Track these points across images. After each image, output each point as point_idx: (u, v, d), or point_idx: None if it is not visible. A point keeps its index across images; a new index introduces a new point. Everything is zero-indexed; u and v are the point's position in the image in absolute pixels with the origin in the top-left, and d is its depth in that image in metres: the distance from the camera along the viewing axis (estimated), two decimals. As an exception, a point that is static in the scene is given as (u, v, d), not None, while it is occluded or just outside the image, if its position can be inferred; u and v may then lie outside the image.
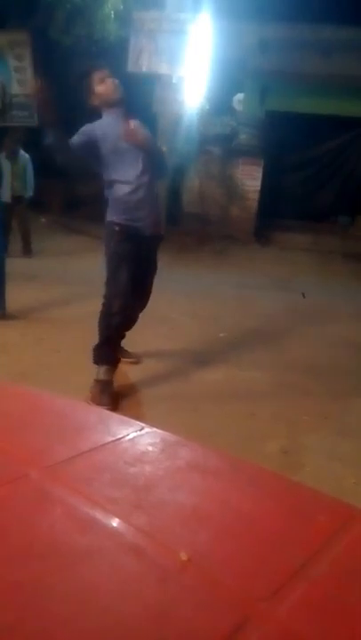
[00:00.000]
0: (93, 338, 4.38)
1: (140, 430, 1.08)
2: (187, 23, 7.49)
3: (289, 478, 1.04)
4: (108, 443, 1.03)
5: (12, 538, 0.76)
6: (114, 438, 1.05)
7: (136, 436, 1.06)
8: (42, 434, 1.07)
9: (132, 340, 4.25)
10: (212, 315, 5.09)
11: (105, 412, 1.17)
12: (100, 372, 3.24)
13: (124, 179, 3.17)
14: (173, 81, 7.74)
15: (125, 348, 3.65)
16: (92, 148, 3.17)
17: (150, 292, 3.50)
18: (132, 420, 1.13)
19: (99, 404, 3.00)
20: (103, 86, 3.28)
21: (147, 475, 0.94)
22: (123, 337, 3.39)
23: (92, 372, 3.67)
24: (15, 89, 8.48)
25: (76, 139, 3.21)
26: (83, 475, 0.93)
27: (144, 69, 7.66)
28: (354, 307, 5.90)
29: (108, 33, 7.48)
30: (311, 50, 8.31)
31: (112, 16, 7.43)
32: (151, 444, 1.04)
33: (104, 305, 3.21)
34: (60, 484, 0.89)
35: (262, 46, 8.52)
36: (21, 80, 8.45)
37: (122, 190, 3.17)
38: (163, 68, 7.61)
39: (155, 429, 1.09)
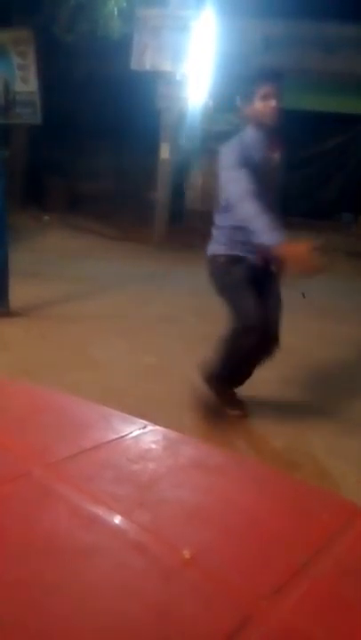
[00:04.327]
0: (95, 335, 4.39)
1: (144, 428, 1.08)
2: (190, 20, 7.46)
3: (292, 476, 1.04)
4: (111, 440, 1.04)
5: (15, 535, 0.77)
6: (117, 436, 1.05)
7: (139, 433, 1.07)
8: (44, 431, 1.07)
9: (134, 338, 4.25)
10: (216, 313, 5.07)
11: (108, 410, 1.18)
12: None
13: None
14: (177, 78, 7.72)
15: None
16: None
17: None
18: (135, 418, 1.13)
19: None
20: (266, 105, 2.73)
21: (150, 472, 0.94)
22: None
23: (94, 371, 3.66)
24: (19, 86, 8.48)
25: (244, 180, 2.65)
26: (85, 472, 0.93)
27: (148, 66, 7.64)
28: (356, 305, 5.89)
29: (111, 30, 7.45)
30: (315, 47, 8.27)
31: (115, 13, 7.40)
32: (154, 442, 1.04)
33: None
34: (62, 482, 0.89)
35: (266, 43, 8.48)
36: (25, 78, 8.45)
37: None
38: (166, 65, 7.59)
39: (158, 427, 1.09)
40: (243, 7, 7.75)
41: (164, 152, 7.93)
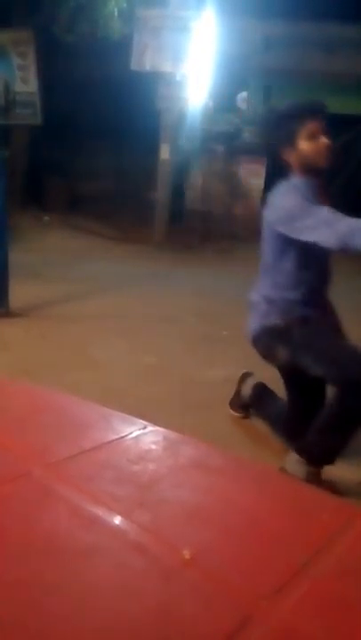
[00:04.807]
0: (95, 335, 4.39)
1: (144, 428, 1.08)
2: (190, 21, 7.46)
3: (292, 477, 1.04)
4: (112, 441, 1.04)
5: (15, 535, 0.77)
6: (117, 436, 1.05)
7: (139, 434, 1.06)
8: (44, 431, 1.07)
9: (134, 338, 4.25)
10: (216, 312, 5.08)
11: (108, 410, 1.18)
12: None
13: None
14: (177, 78, 7.71)
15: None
16: None
17: None
18: (135, 419, 1.13)
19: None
20: (314, 145, 2.27)
21: (150, 473, 0.94)
22: None
23: (94, 371, 3.66)
24: (19, 87, 8.49)
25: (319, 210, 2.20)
26: (86, 472, 0.93)
27: (148, 67, 7.64)
28: (356, 305, 5.89)
29: (111, 31, 7.45)
30: (315, 47, 8.27)
31: (116, 14, 7.40)
32: (154, 442, 1.04)
33: None
34: (62, 482, 0.89)
35: (266, 44, 8.48)
36: (25, 78, 8.45)
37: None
38: (166, 66, 7.58)
39: (158, 428, 1.09)
40: (243, 7, 7.75)
41: (165, 152, 7.93)
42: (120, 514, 0.81)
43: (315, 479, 2.29)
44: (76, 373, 3.53)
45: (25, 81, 8.45)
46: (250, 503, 0.90)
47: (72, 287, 5.59)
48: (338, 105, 9.08)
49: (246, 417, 3.06)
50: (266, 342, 2.48)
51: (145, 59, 7.59)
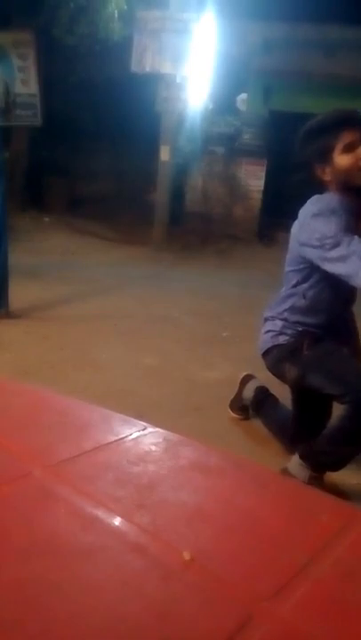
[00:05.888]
0: (96, 336, 4.39)
1: (143, 430, 1.08)
2: (190, 23, 7.47)
3: (292, 479, 1.05)
4: (112, 442, 1.04)
5: (15, 536, 0.77)
6: (117, 438, 1.06)
7: (139, 435, 1.07)
8: (45, 432, 1.07)
9: (134, 339, 4.25)
10: (216, 314, 5.08)
11: (108, 412, 1.18)
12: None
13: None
14: (177, 80, 7.72)
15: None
16: None
17: None
18: (136, 420, 1.13)
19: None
20: (352, 158, 2.08)
21: (150, 474, 0.94)
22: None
23: (95, 372, 3.66)
24: (19, 88, 8.49)
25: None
26: (86, 473, 0.93)
27: (147, 69, 7.64)
28: (357, 307, 5.89)
29: (111, 32, 7.45)
30: (315, 49, 8.28)
31: (116, 15, 7.41)
32: (154, 444, 1.04)
33: None
34: (63, 483, 0.89)
35: (266, 46, 8.49)
36: (25, 79, 8.46)
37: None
38: (166, 68, 7.59)
39: (158, 429, 1.09)
40: (243, 10, 7.76)
41: (165, 154, 7.93)
42: (120, 515, 0.81)
43: (317, 483, 2.28)
44: (76, 374, 3.53)
45: (25, 82, 8.45)
46: (250, 504, 0.90)
47: (72, 288, 5.59)
48: (338, 107, 9.11)
49: (246, 418, 3.06)
50: (276, 360, 2.42)
51: (145, 60, 7.60)
